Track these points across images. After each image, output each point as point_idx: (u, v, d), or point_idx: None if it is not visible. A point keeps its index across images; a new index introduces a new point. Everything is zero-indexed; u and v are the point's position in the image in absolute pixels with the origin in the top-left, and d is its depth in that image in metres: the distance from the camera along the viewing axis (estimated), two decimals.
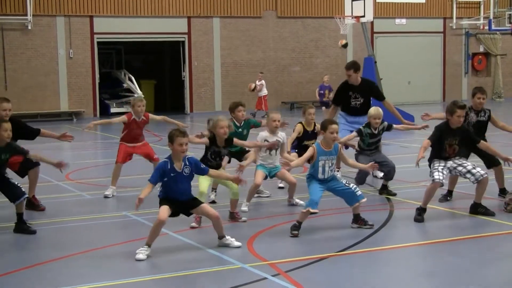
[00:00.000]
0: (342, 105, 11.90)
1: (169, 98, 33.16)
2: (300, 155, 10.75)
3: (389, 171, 10.23)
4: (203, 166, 7.72)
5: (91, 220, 9.22)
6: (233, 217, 8.83)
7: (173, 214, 7.50)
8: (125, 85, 30.08)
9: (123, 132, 10.92)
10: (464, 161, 8.85)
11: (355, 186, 8.38)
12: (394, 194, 10.24)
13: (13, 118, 9.37)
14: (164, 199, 7.48)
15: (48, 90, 27.67)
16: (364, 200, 8.38)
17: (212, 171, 7.86)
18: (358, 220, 8.39)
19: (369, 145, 10.24)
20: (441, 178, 8.61)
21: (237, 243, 7.55)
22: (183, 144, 7.31)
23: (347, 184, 8.31)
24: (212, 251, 7.44)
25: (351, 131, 10.75)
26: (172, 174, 7.36)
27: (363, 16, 22.40)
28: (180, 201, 7.46)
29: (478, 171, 8.67)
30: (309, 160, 8.25)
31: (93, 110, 28.47)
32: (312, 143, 10.68)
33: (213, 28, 30.14)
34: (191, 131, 22.82)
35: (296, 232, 8.08)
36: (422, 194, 8.98)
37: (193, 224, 8.43)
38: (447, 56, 34.52)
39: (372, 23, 28.81)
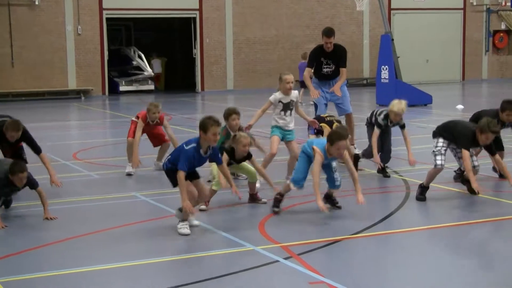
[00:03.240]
0: (314, 69, 12.22)
1: (180, 76, 33.16)
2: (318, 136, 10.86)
3: (385, 155, 10.41)
4: (220, 156, 7.85)
5: (99, 201, 9.27)
6: (254, 199, 8.85)
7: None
8: (134, 62, 30.08)
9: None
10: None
11: (337, 176, 8.38)
12: (388, 176, 10.34)
13: (24, 132, 9.34)
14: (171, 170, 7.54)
15: (55, 67, 27.72)
16: (337, 190, 8.48)
17: (222, 168, 7.85)
18: (328, 198, 8.51)
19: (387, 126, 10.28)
20: (443, 163, 8.76)
21: (196, 222, 7.73)
22: (217, 134, 7.37)
23: (333, 169, 8.35)
24: (223, 233, 7.46)
25: (326, 104, 11.84)
26: (195, 157, 7.45)
27: None
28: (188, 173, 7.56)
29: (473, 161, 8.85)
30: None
31: (101, 88, 28.51)
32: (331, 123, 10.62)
33: (225, 4, 30.05)
34: (203, 110, 22.88)
35: (277, 209, 8.27)
36: (439, 175, 8.99)
37: (203, 207, 8.45)
38: (467, 33, 34.28)
39: None
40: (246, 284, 6.13)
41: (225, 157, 8.38)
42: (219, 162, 7.78)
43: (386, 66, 21.73)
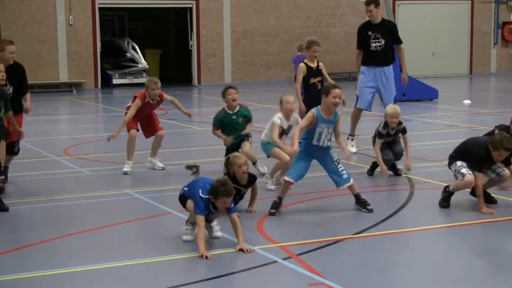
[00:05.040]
0: (363, 50, 12.05)
1: (175, 68, 33.15)
2: (307, 95, 10.93)
3: (395, 156, 10.16)
4: (234, 206, 7.27)
5: (91, 198, 9.27)
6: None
7: None
8: (128, 54, 30.03)
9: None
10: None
11: (342, 167, 8.32)
12: (399, 174, 10.15)
13: (19, 65, 9.76)
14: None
15: (45, 59, 27.69)
16: (349, 183, 8.31)
17: (232, 218, 7.22)
18: (358, 201, 8.38)
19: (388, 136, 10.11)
20: (470, 172, 8.33)
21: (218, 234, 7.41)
22: (227, 203, 7.01)
23: (336, 163, 8.30)
24: (221, 232, 7.45)
25: (372, 95, 11.39)
26: (209, 209, 7.11)
27: None
28: None
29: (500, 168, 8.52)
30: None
31: (94, 81, 28.47)
32: (318, 81, 10.95)
33: None
34: (199, 104, 22.88)
35: (274, 211, 8.20)
36: (445, 173, 8.97)
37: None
38: (475, 25, 34.25)
39: None
40: (244, 285, 6.15)
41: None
42: (230, 212, 7.15)
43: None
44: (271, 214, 8.19)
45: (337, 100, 8.12)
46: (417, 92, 20.80)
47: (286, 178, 8.28)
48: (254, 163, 10.09)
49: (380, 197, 9.38)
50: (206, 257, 6.66)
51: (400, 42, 12.28)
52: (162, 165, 10.90)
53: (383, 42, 11.94)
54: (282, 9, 30.78)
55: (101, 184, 10.09)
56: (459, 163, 8.44)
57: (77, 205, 8.98)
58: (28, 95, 10.08)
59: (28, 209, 8.47)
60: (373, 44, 11.93)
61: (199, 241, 6.82)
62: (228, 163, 8.13)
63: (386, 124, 9.98)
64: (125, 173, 10.65)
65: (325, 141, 8.24)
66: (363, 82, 12.00)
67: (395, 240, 7.41)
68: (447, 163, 8.68)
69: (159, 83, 10.80)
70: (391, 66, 12.22)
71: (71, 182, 10.36)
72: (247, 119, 10.16)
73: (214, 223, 7.35)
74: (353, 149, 11.83)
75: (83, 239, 7.42)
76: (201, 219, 6.95)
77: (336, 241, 7.18)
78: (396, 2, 32.31)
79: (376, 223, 7.83)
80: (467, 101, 20.41)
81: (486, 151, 8.20)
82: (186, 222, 7.31)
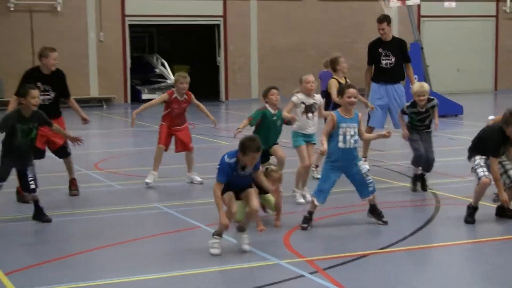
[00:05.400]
0: (373, 67, 12.09)
1: (203, 84, 33.23)
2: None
3: (426, 164, 9.99)
4: (259, 164, 7.49)
5: (120, 212, 9.32)
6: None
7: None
8: (157, 70, 30.22)
9: (164, 111, 10.93)
10: (504, 159, 8.61)
11: (370, 179, 8.28)
12: (426, 190, 10.00)
13: (59, 71, 10.41)
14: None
15: (77, 74, 27.85)
16: (372, 196, 8.28)
17: (257, 175, 7.53)
18: (373, 212, 8.37)
19: (420, 120, 9.97)
20: (486, 174, 8.29)
21: (246, 247, 7.34)
22: (255, 158, 7.18)
23: (364, 175, 8.24)
24: (248, 246, 7.45)
25: (385, 111, 11.16)
26: (234, 174, 7.23)
27: None
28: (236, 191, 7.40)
29: None
30: None
31: (124, 96, 28.65)
32: None
33: (250, 11, 30.10)
34: (227, 120, 22.92)
35: (305, 225, 8.15)
36: (470, 189, 8.89)
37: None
38: (500, 41, 34.04)
39: (419, 6, 28.52)
40: None
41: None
42: (255, 168, 7.38)
43: (416, 75, 21.59)
44: (303, 229, 8.14)
45: (352, 99, 8.16)
46: (442, 108, 20.39)
47: (315, 202, 8.21)
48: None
49: (406, 212, 9.33)
50: (226, 227, 6.86)
51: (409, 60, 12.28)
52: (200, 179, 10.87)
53: (393, 60, 11.96)
54: (308, 25, 30.80)
55: (131, 198, 10.13)
56: (477, 159, 8.44)
57: (108, 218, 9.02)
58: (75, 104, 10.65)
59: (61, 221, 8.54)
60: (383, 61, 11.97)
61: (219, 211, 6.99)
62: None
63: (414, 103, 9.86)
64: (147, 184, 10.69)
65: (351, 141, 8.17)
66: (374, 100, 11.93)
67: (421, 256, 7.36)
68: (471, 179, 8.60)
69: (188, 78, 10.88)
70: (401, 83, 12.24)
71: (102, 195, 10.41)
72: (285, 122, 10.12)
73: (245, 236, 7.35)
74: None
75: (114, 252, 7.46)
76: (218, 187, 7.07)
77: (362, 256, 7.15)
78: (421, 19, 32.22)
79: (401, 238, 7.78)
80: (492, 117, 20.18)
81: (500, 134, 8.24)
82: (213, 235, 7.30)
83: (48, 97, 10.01)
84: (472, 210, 8.43)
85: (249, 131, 9.41)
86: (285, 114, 9.48)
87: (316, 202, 8.17)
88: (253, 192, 7.41)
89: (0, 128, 8.49)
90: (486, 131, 8.56)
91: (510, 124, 8.11)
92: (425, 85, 9.91)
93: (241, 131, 9.30)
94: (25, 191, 8.70)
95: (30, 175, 8.55)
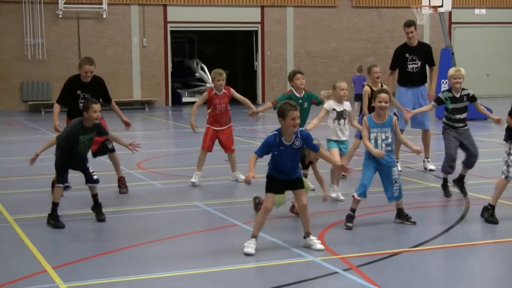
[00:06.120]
0: (398, 71, 12.05)
1: (241, 88, 33.32)
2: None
3: (469, 159, 9.68)
4: (315, 142, 7.37)
5: (162, 210, 9.37)
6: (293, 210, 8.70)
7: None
8: (197, 74, 30.35)
9: (207, 110, 10.97)
10: None
11: (397, 187, 8.15)
12: (465, 194, 9.66)
13: (98, 78, 10.24)
14: (271, 176, 7.29)
15: (121, 78, 28.15)
16: (400, 201, 8.21)
17: (323, 150, 7.62)
18: (400, 215, 8.29)
19: (457, 114, 9.69)
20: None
21: (319, 246, 7.22)
22: (296, 118, 7.05)
23: (394, 181, 8.14)
24: (281, 242, 7.45)
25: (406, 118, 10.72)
26: (281, 148, 7.13)
27: (441, 6, 21.98)
28: (284, 180, 7.29)
29: None
30: None
31: (165, 99, 28.83)
32: None
33: (287, 18, 30.11)
34: (264, 122, 22.94)
35: (350, 224, 8.07)
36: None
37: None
38: None
39: (450, 13, 28.30)
40: None
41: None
42: (315, 149, 7.37)
43: (446, 80, 21.41)
44: (348, 228, 8.06)
45: (383, 104, 8.09)
46: (472, 112, 20.38)
47: (356, 197, 8.14)
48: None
49: (436, 212, 9.26)
50: (248, 182, 6.95)
51: (433, 64, 12.28)
52: (244, 177, 10.85)
53: (419, 64, 12.00)
54: (343, 32, 30.72)
55: (172, 197, 10.18)
56: None
57: (150, 216, 9.08)
58: (117, 107, 10.67)
59: (106, 218, 8.62)
60: (410, 66, 11.99)
61: (249, 169, 7.02)
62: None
63: (450, 89, 9.59)
64: (193, 183, 10.76)
65: (383, 145, 8.10)
66: (400, 103, 11.77)
67: (452, 254, 7.28)
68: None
69: (224, 75, 10.99)
70: (425, 85, 12.28)
71: (144, 194, 10.47)
72: (315, 102, 10.12)
73: (313, 237, 7.28)
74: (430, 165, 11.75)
75: (155, 248, 7.50)
76: (253, 156, 7.09)
77: (395, 254, 7.10)
78: (452, 25, 31.94)
79: (433, 236, 7.72)
80: None
81: None
82: (252, 236, 7.26)
83: None
84: (491, 209, 8.28)
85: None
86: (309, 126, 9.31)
87: (357, 197, 8.10)
88: (302, 192, 7.38)
89: (67, 142, 8.49)
90: None
91: None
92: (461, 69, 9.64)
93: (258, 114, 10.24)
94: (90, 183, 8.71)
95: (90, 168, 8.64)
